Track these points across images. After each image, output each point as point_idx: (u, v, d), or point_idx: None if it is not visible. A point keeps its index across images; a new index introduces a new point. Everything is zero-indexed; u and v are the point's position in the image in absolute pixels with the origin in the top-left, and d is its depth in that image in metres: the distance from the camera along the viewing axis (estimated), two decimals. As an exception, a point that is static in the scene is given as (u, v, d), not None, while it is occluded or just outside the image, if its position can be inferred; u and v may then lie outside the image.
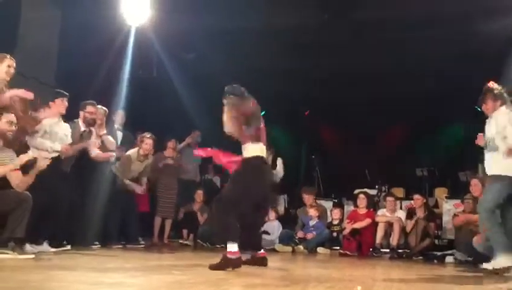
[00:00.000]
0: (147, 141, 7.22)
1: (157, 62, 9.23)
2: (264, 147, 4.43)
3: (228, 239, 4.12)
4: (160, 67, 9.28)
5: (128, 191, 7.23)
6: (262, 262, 4.61)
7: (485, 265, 4.94)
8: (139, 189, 7.31)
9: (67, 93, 5.84)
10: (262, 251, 4.74)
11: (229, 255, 4.08)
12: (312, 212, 8.37)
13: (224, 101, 4.47)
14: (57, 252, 5.29)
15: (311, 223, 8.31)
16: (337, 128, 12.96)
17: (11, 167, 4.68)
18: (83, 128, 6.31)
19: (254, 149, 4.31)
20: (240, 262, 4.12)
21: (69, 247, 5.66)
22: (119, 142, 7.45)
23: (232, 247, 4.08)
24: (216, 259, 4.23)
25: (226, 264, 4.05)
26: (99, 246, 6.38)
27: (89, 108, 6.33)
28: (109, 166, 6.89)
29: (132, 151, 7.31)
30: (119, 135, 7.60)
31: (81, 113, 6.36)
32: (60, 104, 5.73)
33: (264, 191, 4.45)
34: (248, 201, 4.31)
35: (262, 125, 4.51)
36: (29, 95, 4.99)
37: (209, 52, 9.34)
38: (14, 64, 5.06)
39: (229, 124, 4.38)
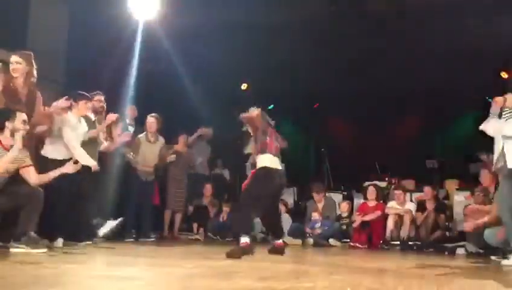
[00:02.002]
0: (149, 120, 7.53)
1: (166, 56, 9.24)
2: (271, 156, 4.98)
3: (242, 232, 4.69)
4: (169, 61, 9.28)
5: (145, 183, 7.33)
6: (280, 251, 5.08)
7: (505, 262, 4.93)
8: (150, 176, 7.49)
9: (89, 96, 5.92)
10: (281, 241, 5.21)
11: (242, 246, 4.59)
12: (315, 215, 8.33)
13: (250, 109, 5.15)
14: (68, 246, 5.34)
15: (317, 225, 8.27)
16: (346, 120, 12.91)
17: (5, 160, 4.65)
18: (93, 118, 6.28)
19: (263, 160, 4.96)
20: (252, 249, 4.62)
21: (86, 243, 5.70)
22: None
23: (245, 238, 4.61)
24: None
25: (241, 251, 4.55)
26: (101, 239, 6.46)
27: (97, 97, 6.35)
28: (120, 158, 6.96)
29: (141, 135, 7.57)
30: (131, 129, 7.64)
31: (89, 103, 6.22)
32: (83, 106, 5.80)
33: (275, 192, 5.11)
34: (264, 200, 4.92)
35: (268, 139, 5.04)
36: (67, 104, 5.14)
37: (218, 45, 9.33)
38: (18, 59, 5.09)
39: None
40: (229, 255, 4.52)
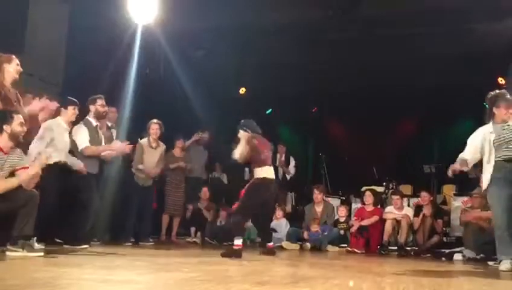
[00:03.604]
0: (153, 126, 7.55)
1: (164, 60, 9.24)
2: (269, 168, 5.83)
3: (236, 234, 5.44)
4: (167, 65, 9.28)
5: (145, 188, 7.34)
6: (271, 253, 5.92)
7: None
8: (154, 172, 7.52)
9: (77, 102, 5.87)
10: (271, 243, 6.20)
11: (235, 247, 5.33)
12: (314, 227, 8.28)
13: (240, 132, 5.81)
14: (66, 249, 5.33)
15: (317, 235, 8.24)
16: (344, 125, 12.92)
17: (15, 183, 4.64)
18: (94, 123, 6.23)
19: (260, 172, 5.75)
20: (241, 253, 5.28)
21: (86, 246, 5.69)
22: (114, 140, 7.41)
23: (238, 241, 5.37)
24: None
25: (233, 253, 5.24)
26: (98, 243, 6.44)
27: (100, 101, 6.24)
28: (118, 163, 6.94)
29: (143, 140, 7.55)
30: (113, 132, 7.49)
31: (92, 108, 6.21)
32: (72, 113, 5.76)
33: (267, 200, 5.94)
34: (255, 208, 5.78)
35: (262, 155, 5.75)
36: (53, 106, 5.09)
37: (216, 49, 9.34)
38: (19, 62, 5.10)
39: (240, 154, 5.73)
40: (224, 255, 5.22)
